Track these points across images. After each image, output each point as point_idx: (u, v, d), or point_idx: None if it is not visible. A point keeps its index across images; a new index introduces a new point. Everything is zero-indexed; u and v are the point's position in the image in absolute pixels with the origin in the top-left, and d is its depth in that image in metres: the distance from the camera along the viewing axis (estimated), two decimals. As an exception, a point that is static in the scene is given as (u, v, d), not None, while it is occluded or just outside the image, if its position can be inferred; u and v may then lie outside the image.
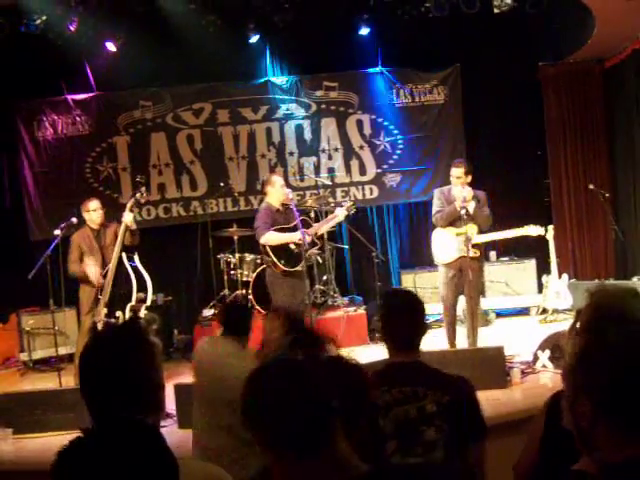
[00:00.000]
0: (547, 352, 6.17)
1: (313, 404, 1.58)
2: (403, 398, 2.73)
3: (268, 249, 6.91)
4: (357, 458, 1.65)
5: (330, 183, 9.82)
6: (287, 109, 9.95)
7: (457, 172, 6.73)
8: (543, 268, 8.92)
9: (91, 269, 6.76)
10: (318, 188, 9.71)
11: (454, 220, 6.75)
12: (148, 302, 6.76)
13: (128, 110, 9.72)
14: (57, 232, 6.92)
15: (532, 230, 7.08)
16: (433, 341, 7.67)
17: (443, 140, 10.00)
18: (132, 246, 6.94)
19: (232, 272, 8.66)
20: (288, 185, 7.97)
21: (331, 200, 9.42)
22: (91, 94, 9.63)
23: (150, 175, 9.61)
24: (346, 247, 9.12)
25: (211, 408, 3.76)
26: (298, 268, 6.87)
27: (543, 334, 6.60)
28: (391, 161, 10.05)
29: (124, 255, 6.76)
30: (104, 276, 6.73)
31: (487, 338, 7.17)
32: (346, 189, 10.01)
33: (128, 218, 6.82)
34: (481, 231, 6.77)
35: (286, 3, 8.58)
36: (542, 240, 8.16)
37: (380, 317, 3.02)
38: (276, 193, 7.03)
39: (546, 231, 7.82)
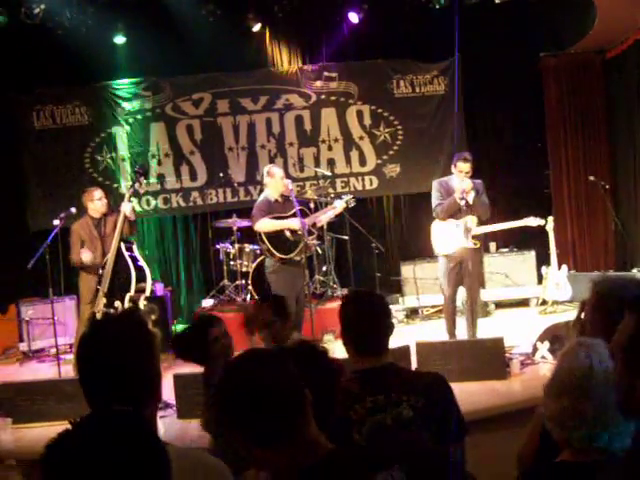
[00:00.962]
0: (546, 343, 6.17)
1: (283, 392, 1.62)
2: (377, 407, 2.57)
3: (264, 236, 6.86)
4: (325, 439, 1.69)
5: (330, 174, 9.80)
6: (287, 99, 9.92)
7: (465, 167, 6.65)
8: (543, 259, 8.92)
9: (86, 254, 6.74)
10: (318, 179, 9.70)
11: (454, 212, 6.74)
12: (147, 292, 6.76)
13: (127, 100, 9.69)
14: (56, 222, 6.91)
15: (531, 221, 7.08)
16: (433, 332, 7.71)
17: (443, 131, 9.97)
18: (130, 236, 6.93)
19: (231, 263, 8.66)
20: (287, 176, 7.94)
21: (331, 191, 9.40)
22: (90, 84, 9.60)
23: (149, 165, 9.58)
24: (346, 238, 9.10)
25: None
26: (295, 257, 6.83)
27: (542, 325, 6.60)
28: (391, 152, 10.03)
29: (123, 245, 6.75)
30: (103, 266, 6.72)
31: (487, 329, 7.18)
32: (346, 180, 10.00)
33: (127, 208, 6.81)
34: (480, 221, 6.76)
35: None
36: (542, 231, 8.16)
37: (340, 323, 2.80)
38: (275, 185, 6.96)
39: (546, 222, 7.82)
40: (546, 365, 6.04)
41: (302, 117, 9.96)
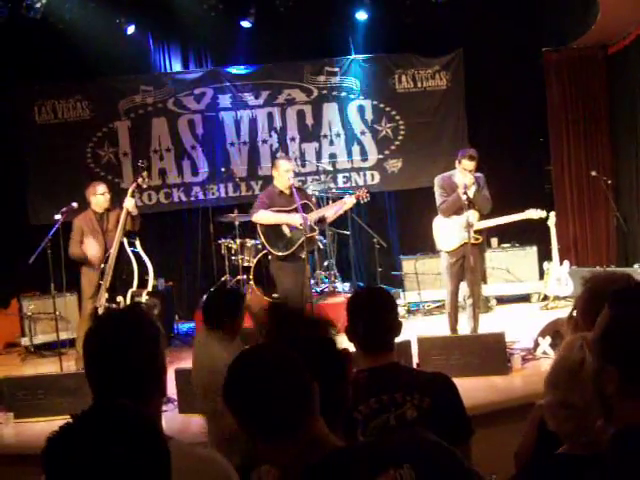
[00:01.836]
0: (548, 339, 6.18)
1: (288, 387, 1.61)
2: (381, 407, 2.53)
3: (260, 232, 6.80)
4: (334, 437, 1.67)
5: (331, 169, 9.80)
6: (289, 94, 9.91)
7: (470, 165, 6.60)
8: (544, 255, 8.91)
9: (91, 248, 6.73)
10: (319, 174, 9.70)
11: (458, 208, 6.71)
12: (149, 287, 6.76)
13: (129, 95, 9.69)
14: (58, 217, 6.90)
15: (532, 213, 7.04)
16: (435, 327, 7.71)
17: (445, 126, 9.97)
18: (134, 231, 6.93)
19: (233, 257, 8.65)
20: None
21: (332, 186, 9.40)
22: (92, 79, 9.59)
23: (151, 160, 9.58)
24: (347, 233, 9.10)
25: (207, 395, 3.82)
26: (292, 253, 6.71)
27: (544, 321, 6.61)
28: (393, 147, 10.02)
29: (125, 240, 6.74)
30: (105, 261, 6.72)
31: (488, 324, 7.19)
32: (347, 175, 10.00)
33: (129, 203, 6.80)
34: (482, 215, 6.74)
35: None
36: (543, 227, 8.15)
37: (347, 319, 2.73)
38: (279, 177, 6.87)
39: (547, 217, 7.81)
40: (547, 360, 6.04)
41: (304, 112, 9.96)
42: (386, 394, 2.56)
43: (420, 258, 9.20)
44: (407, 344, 5.75)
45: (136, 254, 6.76)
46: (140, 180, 7.00)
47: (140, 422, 1.35)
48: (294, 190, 6.75)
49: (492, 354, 5.88)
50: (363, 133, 10.01)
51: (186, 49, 9.60)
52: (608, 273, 2.77)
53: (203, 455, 1.97)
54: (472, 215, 6.60)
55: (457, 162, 6.74)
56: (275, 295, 7.20)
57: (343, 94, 9.96)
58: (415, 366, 5.69)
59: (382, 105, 10.00)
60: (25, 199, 9.54)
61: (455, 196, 6.66)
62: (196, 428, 5.20)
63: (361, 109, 10.01)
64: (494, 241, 9.37)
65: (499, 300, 9.13)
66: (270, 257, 7.04)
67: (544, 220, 7.60)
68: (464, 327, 6.88)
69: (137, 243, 6.87)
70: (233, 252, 8.66)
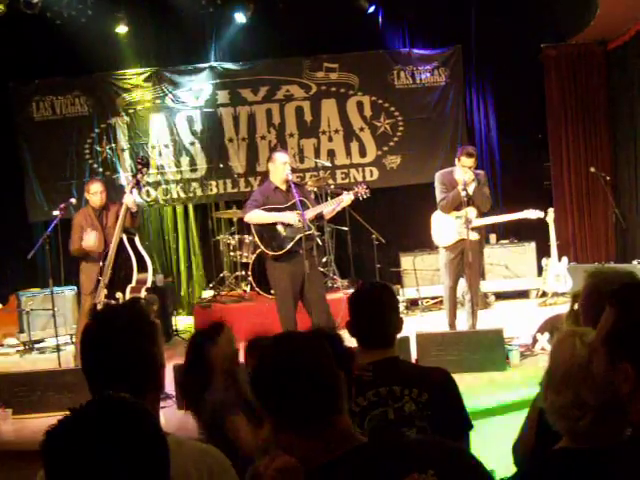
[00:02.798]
0: (546, 335, 6.18)
1: (319, 375, 1.61)
2: (379, 400, 2.54)
3: (253, 231, 6.63)
4: (358, 432, 1.67)
5: (330, 165, 9.79)
6: (287, 90, 9.90)
7: (469, 162, 6.59)
8: (543, 251, 8.92)
9: (90, 236, 6.72)
10: (318, 170, 9.69)
11: (457, 204, 6.71)
12: (148, 284, 6.75)
13: (127, 91, 9.67)
14: (56, 213, 6.90)
15: (531, 213, 7.05)
16: (434, 323, 7.71)
17: (444, 122, 9.96)
18: (133, 228, 6.92)
19: (231, 254, 8.65)
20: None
21: (331, 182, 9.39)
22: (90, 74, 9.57)
23: (150, 156, 9.57)
24: (346, 229, 9.09)
25: None
26: (283, 252, 6.47)
27: (542, 317, 6.61)
28: (391, 143, 10.01)
29: (124, 237, 6.74)
30: (104, 258, 6.71)
31: (487, 320, 7.19)
32: (346, 171, 9.99)
33: (129, 200, 6.79)
34: (481, 212, 6.74)
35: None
36: (542, 223, 8.15)
37: (349, 314, 2.76)
38: (276, 170, 6.59)
39: (546, 214, 7.81)
40: (546, 356, 6.03)
41: (302, 108, 9.94)
42: (384, 387, 2.57)
43: (419, 254, 9.21)
44: (406, 340, 5.75)
45: (135, 250, 6.75)
46: (139, 176, 6.98)
47: (139, 415, 1.35)
48: (292, 186, 6.52)
49: (490, 350, 5.88)
50: (362, 129, 10.00)
51: (184, 45, 9.57)
52: (611, 269, 2.76)
53: (200, 447, 1.97)
54: (471, 212, 6.60)
55: (456, 159, 6.74)
56: (273, 292, 7.13)
57: (342, 90, 9.95)
58: (413, 362, 5.69)
59: (381, 101, 9.99)
60: (23, 195, 9.53)
61: (455, 192, 6.66)
62: (194, 424, 5.19)
63: (360, 105, 10.00)
64: (493, 237, 9.38)
65: (498, 296, 9.13)
66: (266, 257, 6.86)
67: (542, 218, 7.60)
68: (463, 323, 6.88)
69: (136, 239, 6.86)
70: (231, 248, 8.65)
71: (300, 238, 6.39)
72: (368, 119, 9.99)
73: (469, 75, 9.86)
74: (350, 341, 2.73)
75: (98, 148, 9.66)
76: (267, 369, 1.65)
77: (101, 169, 9.58)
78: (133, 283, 6.66)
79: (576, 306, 2.68)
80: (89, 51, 9.03)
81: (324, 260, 8.89)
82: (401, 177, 10.02)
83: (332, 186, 8.94)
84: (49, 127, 9.56)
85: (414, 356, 5.83)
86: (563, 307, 7.90)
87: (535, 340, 6.28)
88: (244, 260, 8.56)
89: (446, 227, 6.77)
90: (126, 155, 9.67)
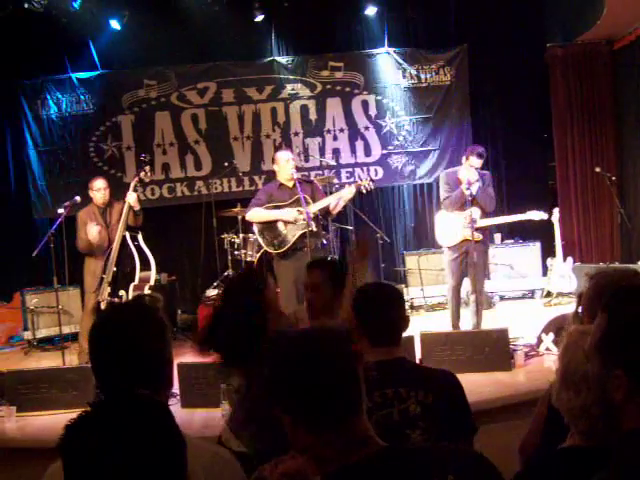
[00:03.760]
0: (551, 335, 6.15)
1: (343, 373, 1.59)
2: (385, 402, 2.53)
3: (256, 230, 6.65)
4: (377, 436, 1.64)
5: (335, 164, 9.78)
6: (292, 89, 9.89)
7: (478, 163, 6.58)
8: (548, 251, 8.90)
9: (92, 229, 6.75)
10: (323, 169, 9.67)
11: (461, 204, 6.69)
12: (152, 281, 6.76)
13: (132, 89, 9.67)
14: (61, 211, 6.92)
15: (535, 215, 7.04)
16: (438, 323, 7.70)
17: (449, 121, 9.94)
18: (136, 226, 6.93)
19: (236, 252, 8.63)
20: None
21: (336, 181, 9.38)
22: (95, 72, 9.58)
23: (154, 154, 9.58)
24: (350, 228, 9.08)
25: None
26: (285, 250, 6.51)
27: (547, 317, 6.59)
28: (396, 142, 10.00)
29: (128, 235, 6.75)
30: (108, 255, 6.73)
31: (491, 320, 7.17)
32: (351, 170, 9.98)
33: (131, 198, 6.81)
34: (485, 213, 6.73)
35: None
36: (547, 223, 8.13)
37: (354, 313, 2.78)
38: (280, 170, 6.68)
39: (551, 214, 7.79)
40: (550, 357, 6.03)
41: (307, 107, 9.94)
42: (390, 388, 2.56)
43: (423, 254, 9.19)
44: (410, 340, 5.74)
45: (139, 248, 6.76)
46: (142, 174, 7.00)
47: (158, 413, 1.35)
48: (297, 182, 6.54)
49: (495, 350, 5.86)
50: (367, 128, 9.99)
51: (189, 43, 9.56)
52: (614, 269, 2.74)
53: (211, 450, 1.96)
54: (475, 212, 6.59)
55: (465, 157, 6.73)
56: (277, 290, 7.14)
57: (347, 89, 9.94)
58: (418, 362, 5.68)
59: (386, 100, 9.97)
60: (28, 193, 9.53)
61: (458, 192, 6.65)
62: (199, 422, 5.20)
63: (365, 104, 9.98)
64: (498, 237, 9.37)
65: (502, 296, 9.12)
66: (271, 255, 6.87)
67: (546, 219, 7.58)
68: (467, 323, 6.87)
69: (140, 237, 6.87)
70: (236, 247, 8.63)
71: (303, 235, 6.39)
72: (373, 118, 9.98)
73: (474, 74, 9.83)
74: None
75: (103, 146, 9.66)
76: (285, 366, 1.62)
77: (106, 167, 9.58)
78: (136, 281, 6.67)
79: (580, 308, 2.67)
80: (94, 49, 9.03)
81: (328, 259, 8.86)
82: (406, 176, 10.01)
83: (337, 185, 8.91)
84: (54, 125, 9.56)
85: (418, 355, 5.82)
86: (568, 307, 7.89)
87: (540, 340, 6.26)
88: (248, 259, 8.55)
89: (450, 227, 6.76)
90: (131, 153, 9.67)
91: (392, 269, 9.44)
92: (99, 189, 7.04)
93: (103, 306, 6.54)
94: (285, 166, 6.62)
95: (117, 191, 7.65)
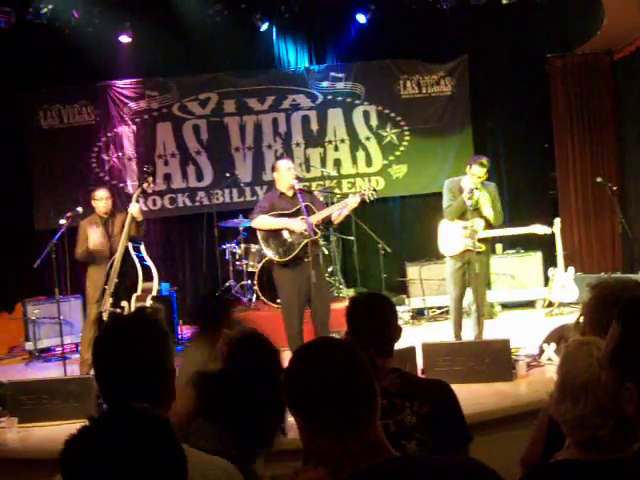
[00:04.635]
0: (553, 345, 6.14)
1: (355, 380, 1.59)
2: (381, 413, 2.56)
3: (259, 238, 6.60)
4: (388, 444, 1.64)
5: (336, 174, 9.80)
6: (294, 100, 9.92)
7: (481, 172, 6.55)
8: (549, 261, 8.89)
9: (93, 238, 6.79)
10: (324, 179, 9.69)
11: (462, 213, 6.68)
12: (154, 292, 6.76)
13: (134, 100, 9.71)
14: (62, 222, 6.93)
15: (538, 229, 7.02)
16: (440, 333, 7.69)
17: (450, 132, 9.96)
18: (138, 236, 6.94)
19: (237, 263, 8.65)
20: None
21: (337, 191, 9.39)
22: (97, 83, 9.61)
23: (156, 165, 9.59)
24: (352, 238, 9.09)
25: None
26: (289, 259, 6.42)
27: (549, 327, 6.57)
28: (397, 153, 10.02)
29: (130, 245, 6.75)
30: (110, 266, 6.73)
31: (493, 331, 7.16)
32: (352, 180, 9.99)
33: (134, 209, 6.82)
34: (489, 224, 6.70)
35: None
36: (549, 233, 8.12)
37: (347, 325, 2.77)
38: (280, 178, 6.58)
39: (552, 224, 7.79)
40: (552, 367, 6.01)
41: (309, 117, 9.97)
42: (385, 399, 2.55)
43: (425, 264, 9.18)
44: (412, 350, 5.73)
45: (141, 259, 6.77)
46: (145, 185, 7.00)
47: (158, 427, 1.35)
48: (297, 192, 6.49)
49: (497, 360, 5.85)
50: (368, 139, 10.01)
51: (191, 54, 9.61)
52: (616, 280, 2.74)
53: (211, 459, 1.96)
54: (478, 222, 6.58)
55: (468, 166, 6.70)
56: (278, 301, 7.15)
57: (348, 100, 9.97)
58: (420, 372, 5.67)
59: (387, 111, 10.00)
60: (30, 203, 9.55)
61: (459, 201, 6.64)
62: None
63: (366, 115, 10.01)
64: (499, 247, 9.36)
65: (504, 306, 9.10)
66: (274, 263, 6.85)
67: (549, 233, 7.56)
68: (469, 333, 6.85)
69: (142, 248, 6.88)
70: (237, 257, 8.65)
71: (306, 244, 6.37)
72: (374, 128, 10.01)
73: (475, 85, 9.86)
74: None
75: (105, 157, 9.69)
76: (302, 372, 1.62)
77: (107, 178, 9.61)
78: (139, 292, 6.67)
79: (582, 319, 2.67)
80: (96, 60, 9.07)
81: (330, 269, 8.88)
82: (407, 187, 10.02)
83: (338, 195, 8.93)
84: (56, 136, 9.58)
85: (420, 366, 5.81)
86: (570, 317, 7.88)
87: (542, 350, 6.24)
88: (250, 269, 8.56)
89: (452, 236, 6.75)
90: (132, 164, 9.70)
91: (394, 279, 9.43)
92: (101, 198, 7.08)
93: (105, 317, 6.54)
94: (285, 174, 6.56)
95: (119, 202, 7.67)
